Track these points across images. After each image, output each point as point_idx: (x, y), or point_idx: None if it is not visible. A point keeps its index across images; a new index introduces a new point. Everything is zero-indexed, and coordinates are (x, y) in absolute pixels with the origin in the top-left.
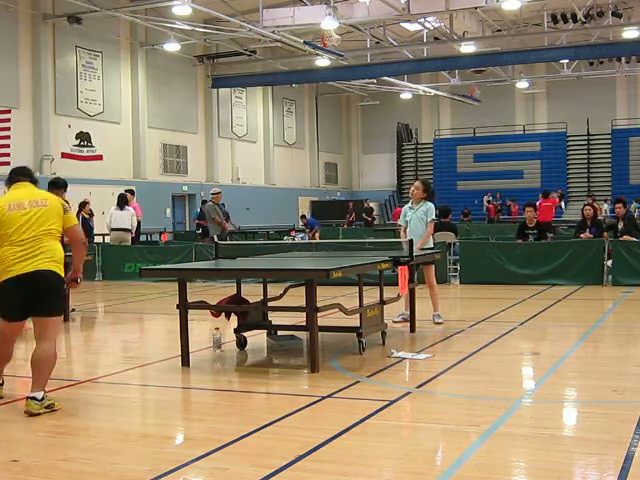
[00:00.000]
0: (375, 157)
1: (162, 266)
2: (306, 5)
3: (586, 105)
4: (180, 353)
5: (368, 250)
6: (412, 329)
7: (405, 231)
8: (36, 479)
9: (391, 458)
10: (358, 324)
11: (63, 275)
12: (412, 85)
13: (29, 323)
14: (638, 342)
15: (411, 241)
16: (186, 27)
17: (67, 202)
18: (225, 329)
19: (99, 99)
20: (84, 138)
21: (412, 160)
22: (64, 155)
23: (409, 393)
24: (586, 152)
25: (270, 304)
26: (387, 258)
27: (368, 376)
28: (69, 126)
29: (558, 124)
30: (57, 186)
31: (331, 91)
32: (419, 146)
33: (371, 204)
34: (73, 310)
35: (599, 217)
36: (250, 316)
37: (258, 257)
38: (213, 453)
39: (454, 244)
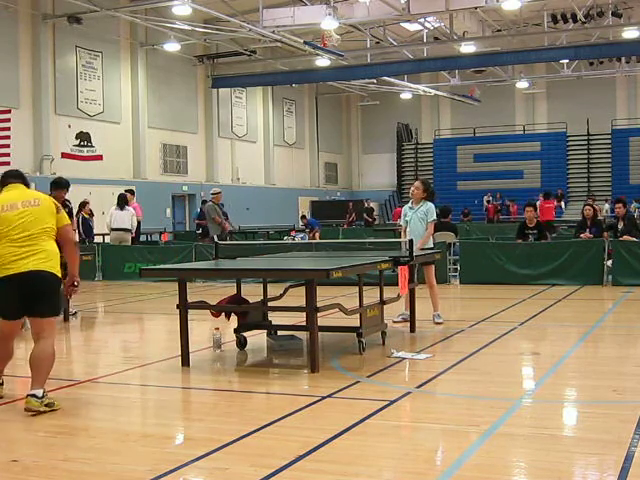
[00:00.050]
0: (375, 157)
1: (162, 266)
2: (306, 5)
3: (586, 105)
4: (180, 353)
5: (368, 250)
6: (412, 329)
7: (405, 231)
8: (36, 479)
9: (391, 458)
10: (358, 324)
11: (60, 275)
12: (412, 85)
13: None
14: (638, 342)
15: (411, 241)
16: (186, 27)
17: (68, 201)
18: (225, 329)
19: (99, 99)
20: (84, 138)
21: (412, 160)
22: (64, 155)
23: (409, 393)
24: (586, 152)
25: (270, 304)
26: (387, 258)
27: (368, 376)
28: (69, 126)
29: (558, 124)
30: (60, 186)
31: (331, 91)
32: (419, 146)
33: (371, 204)
34: (75, 313)
35: (599, 217)
36: (250, 316)
37: (258, 257)
38: (213, 453)
39: (454, 244)
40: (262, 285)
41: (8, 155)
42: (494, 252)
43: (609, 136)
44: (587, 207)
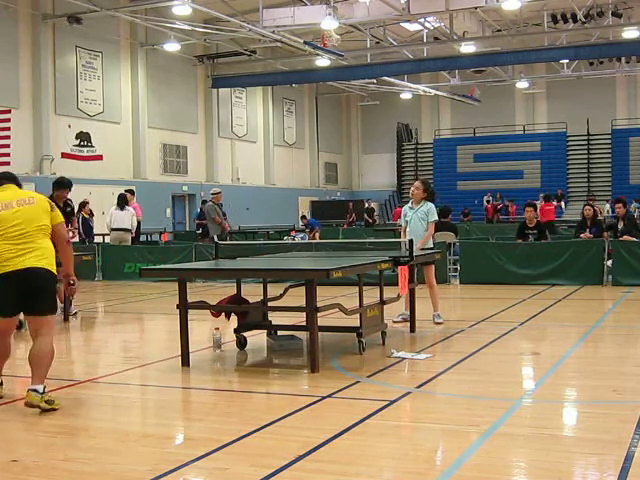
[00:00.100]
0: (375, 157)
1: (162, 266)
2: (306, 5)
3: (586, 105)
4: (180, 353)
5: (368, 250)
6: (412, 329)
7: (405, 231)
8: (36, 479)
9: (391, 458)
10: (358, 324)
11: (56, 272)
12: (412, 85)
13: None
14: (638, 342)
15: (411, 241)
16: (186, 27)
17: (70, 201)
18: (225, 329)
19: (99, 99)
20: (84, 138)
21: (412, 160)
22: (64, 155)
23: (409, 393)
24: (586, 152)
25: (270, 304)
26: (387, 258)
27: (368, 376)
28: (69, 126)
29: (558, 124)
30: (62, 185)
31: (331, 91)
32: (419, 146)
33: (372, 204)
34: (75, 313)
35: (600, 217)
36: (250, 316)
37: (258, 257)
38: (213, 453)
39: (454, 244)
40: (262, 285)
41: (8, 155)
42: (494, 252)
43: (609, 136)
44: (587, 207)
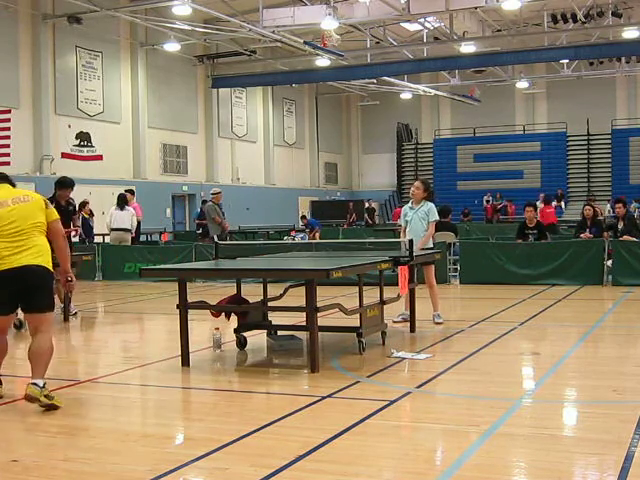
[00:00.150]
0: (375, 157)
1: (162, 266)
2: (306, 5)
3: (586, 105)
4: (180, 353)
5: (368, 250)
6: (412, 329)
7: (405, 231)
8: (36, 479)
9: (391, 458)
10: (358, 324)
11: (52, 270)
12: (412, 85)
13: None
14: (638, 342)
15: (411, 241)
16: (186, 27)
17: (72, 200)
18: (225, 329)
19: (99, 99)
20: (84, 138)
21: (412, 160)
22: (64, 155)
23: (409, 393)
24: (586, 152)
25: (270, 304)
26: (387, 258)
27: (368, 376)
28: (69, 126)
29: (558, 124)
30: (64, 185)
31: (331, 91)
32: (419, 146)
33: (373, 204)
34: (75, 313)
35: (600, 217)
36: (250, 316)
37: (258, 257)
38: (213, 453)
39: (454, 244)
40: (262, 285)
41: (8, 155)
42: (494, 252)
43: (609, 136)
44: (587, 207)
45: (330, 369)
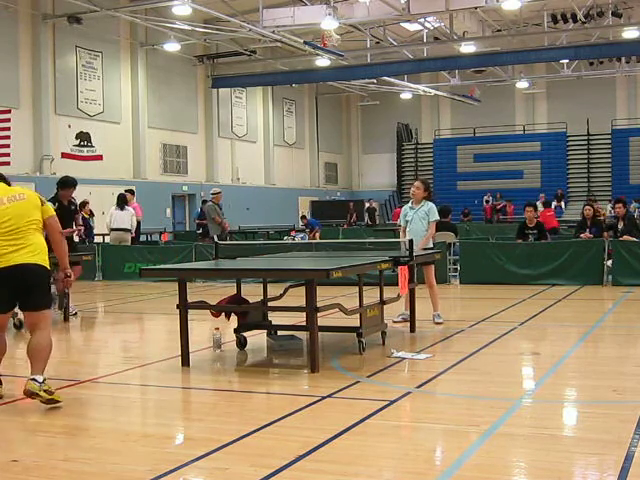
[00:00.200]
0: (375, 157)
1: (162, 266)
2: (306, 5)
3: (586, 105)
4: (180, 353)
5: (368, 250)
6: (412, 329)
7: (405, 231)
8: (36, 479)
9: (391, 458)
10: (358, 324)
11: (49, 267)
12: (412, 85)
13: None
14: (638, 342)
15: (411, 241)
16: (186, 27)
17: (74, 199)
18: (225, 329)
19: (99, 99)
20: (84, 138)
21: (412, 160)
22: (64, 155)
23: (409, 393)
24: (586, 152)
25: (270, 304)
26: (387, 258)
27: (368, 376)
28: (69, 126)
29: (558, 124)
30: (67, 185)
31: (331, 91)
32: (419, 146)
33: (373, 204)
34: (75, 313)
35: (600, 217)
36: (250, 316)
37: (258, 257)
38: (213, 453)
39: (454, 244)
40: (262, 285)
41: (8, 155)
42: (494, 252)
43: (609, 136)
44: (587, 207)
45: (330, 369)
